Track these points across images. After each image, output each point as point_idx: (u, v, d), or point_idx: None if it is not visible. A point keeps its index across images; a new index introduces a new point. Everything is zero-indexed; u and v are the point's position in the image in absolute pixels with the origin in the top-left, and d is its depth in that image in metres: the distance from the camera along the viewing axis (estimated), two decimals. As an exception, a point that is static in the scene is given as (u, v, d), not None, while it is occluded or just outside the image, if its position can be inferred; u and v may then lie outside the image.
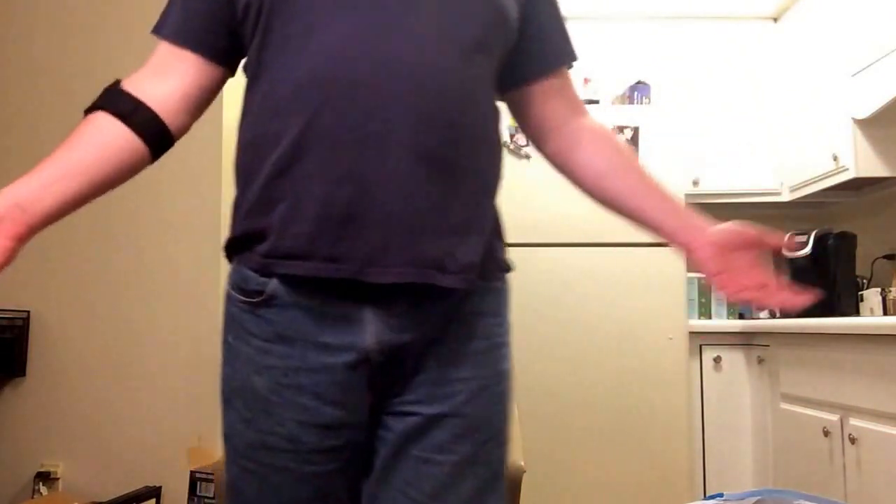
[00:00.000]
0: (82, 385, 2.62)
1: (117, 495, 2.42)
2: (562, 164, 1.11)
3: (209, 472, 2.29)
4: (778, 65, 3.43)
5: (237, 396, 0.94)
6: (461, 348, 0.96)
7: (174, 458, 2.52)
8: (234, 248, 0.97)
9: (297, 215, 0.89)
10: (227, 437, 0.96)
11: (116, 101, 0.95)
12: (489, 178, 0.98)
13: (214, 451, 2.50)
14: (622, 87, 3.30)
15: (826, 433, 2.38)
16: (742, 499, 1.21)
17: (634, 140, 3.01)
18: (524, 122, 1.13)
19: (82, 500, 2.46)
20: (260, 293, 0.92)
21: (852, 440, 2.22)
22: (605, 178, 1.06)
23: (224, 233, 2.97)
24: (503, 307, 1.04)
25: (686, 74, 3.46)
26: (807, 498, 1.18)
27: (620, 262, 2.92)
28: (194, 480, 2.34)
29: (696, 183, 3.37)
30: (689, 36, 3.50)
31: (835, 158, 2.92)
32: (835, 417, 2.35)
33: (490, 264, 0.99)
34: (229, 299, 0.97)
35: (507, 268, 1.04)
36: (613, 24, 3.51)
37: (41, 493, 2.54)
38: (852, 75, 2.83)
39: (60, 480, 2.58)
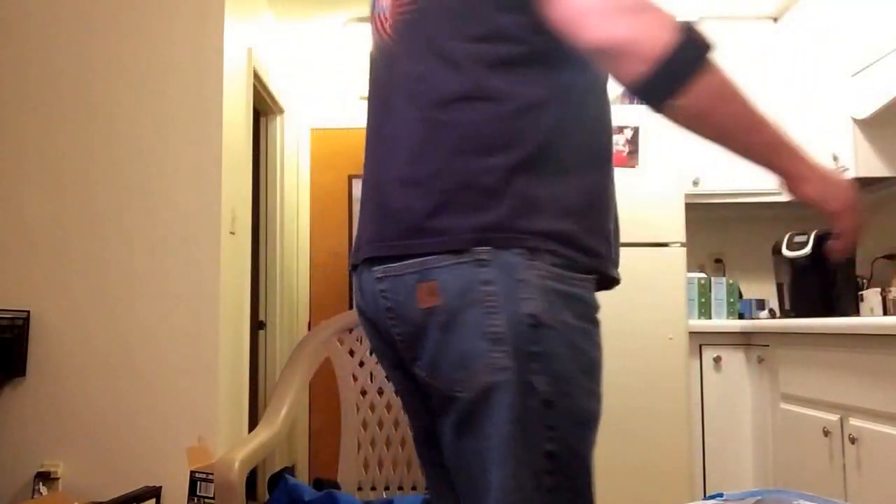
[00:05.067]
0: (82, 385, 2.62)
1: (117, 495, 2.42)
2: None
3: (209, 472, 2.29)
4: (778, 65, 3.43)
5: (587, 375, 0.97)
6: None
7: (174, 458, 2.52)
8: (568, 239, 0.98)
9: (611, 225, 1.05)
10: (579, 420, 0.97)
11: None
12: None
13: (214, 450, 2.50)
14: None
15: (826, 433, 2.38)
16: (742, 499, 1.21)
17: (634, 140, 3.01)
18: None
19: (82, 500, 2.46)
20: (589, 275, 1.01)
21: (852, 440, 2.22)
22: None
23: (223, 233, 2.96)
24: None
25: (686, 74, 3.46)
26: (807, 498, 1.18)
27: (621, 262, 2.92)
28: (194, 480, 2.34)
29: (696, 183, 3.37)
30: (689, 36, 3.50)
31: (835, 158, 2.92)
32: (835, 417, 2.35)
33: None
34: (560, 279, 0.95)
35: None
36: (613, 24, 3.51)
37: (41, 493, 2.54)
38: (852, 75, 2.83)
39: (60, 480, 2.58)
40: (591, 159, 1.01)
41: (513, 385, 0.90)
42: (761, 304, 3.47)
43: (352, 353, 2.07)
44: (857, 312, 2.95)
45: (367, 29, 1.48)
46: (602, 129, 1.05)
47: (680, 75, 0.87)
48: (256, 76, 3.29)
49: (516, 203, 0.92)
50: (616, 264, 1.09)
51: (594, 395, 0.97)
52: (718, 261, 3.69)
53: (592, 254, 0.99)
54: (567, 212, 0.95)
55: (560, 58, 0.94)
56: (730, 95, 0.90)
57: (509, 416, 0.90)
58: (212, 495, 2.26)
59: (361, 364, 2.07)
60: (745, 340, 3.06)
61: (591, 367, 0.96)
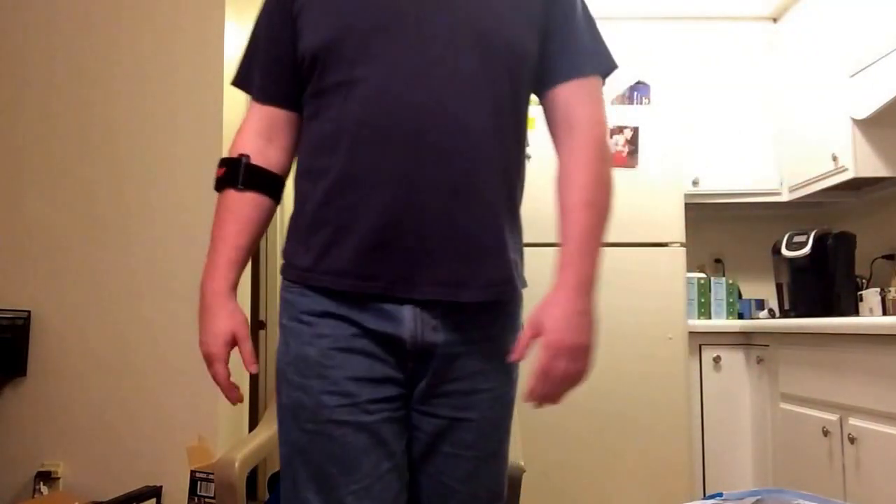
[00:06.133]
0: (82, 385, 2.62)
1: (117, 495, 2.42)
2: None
3: (209, 472, 2.29)
4: (777, 65, 3.43)
5: (292, 368, 1.09)
6: (489, 364, 1.14)
7: (174, 458, 2.52)
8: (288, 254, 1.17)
9: (338, 239, 1.07)
10: (285, 407, 1.10)
11: (257, 181, 1.20)
12: (503, 204, 1.12)
13: (214, 450, 2.50)
14: (622, 87, 3.30)
15: (826, 433, 2.38)
16: (742, 498, 1.21)
17: (634, 140, 3.02)
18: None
19: (82, 500, 2.46)
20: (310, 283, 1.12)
21: (852, 440, 2.23)
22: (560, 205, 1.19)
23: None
24: (519, 318, 1.20)
25: (686, 74, 3.46)
26: (807, 498, 1.18)
27: (620, 262, 2.92)
28: (194, 480, 2.34)
29: (696, 183, 3.37)
30: (689, 36, 3.51)
31: (834, 158, 2.92)
32: (834, 417, 2.35)
33: (514, 281, 1.15)
34: (285, 287, 1.15)
35: (524, 283, 1.20)
36: (613, 24, 3.51)
37: (41, 493, 2.54)
38: (852, 75, 2.83)
39: (61, 480, 2.58)
40: (315, 174, 1.12)
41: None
42: (761, 304, 3.48)
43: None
44: (856, 312, 2.96)
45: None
46: (335, 135, 1.09)
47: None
48: (256, 76, 3.29)
49: None
50: (347, 275, 1.09)
51: (296, 385, 1.08)
52: (718, 261, 3.69)
53: (294, 267, 1.14)
54: (289, 235, 1.17)
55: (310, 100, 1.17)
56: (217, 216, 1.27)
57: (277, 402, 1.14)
58: (212, 495, 2.26)
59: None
60: (744, 340, 3.06)
61: (296, 360, 1.09)
